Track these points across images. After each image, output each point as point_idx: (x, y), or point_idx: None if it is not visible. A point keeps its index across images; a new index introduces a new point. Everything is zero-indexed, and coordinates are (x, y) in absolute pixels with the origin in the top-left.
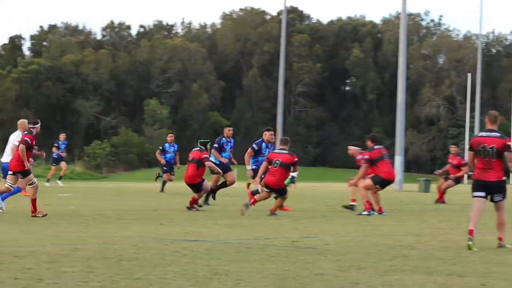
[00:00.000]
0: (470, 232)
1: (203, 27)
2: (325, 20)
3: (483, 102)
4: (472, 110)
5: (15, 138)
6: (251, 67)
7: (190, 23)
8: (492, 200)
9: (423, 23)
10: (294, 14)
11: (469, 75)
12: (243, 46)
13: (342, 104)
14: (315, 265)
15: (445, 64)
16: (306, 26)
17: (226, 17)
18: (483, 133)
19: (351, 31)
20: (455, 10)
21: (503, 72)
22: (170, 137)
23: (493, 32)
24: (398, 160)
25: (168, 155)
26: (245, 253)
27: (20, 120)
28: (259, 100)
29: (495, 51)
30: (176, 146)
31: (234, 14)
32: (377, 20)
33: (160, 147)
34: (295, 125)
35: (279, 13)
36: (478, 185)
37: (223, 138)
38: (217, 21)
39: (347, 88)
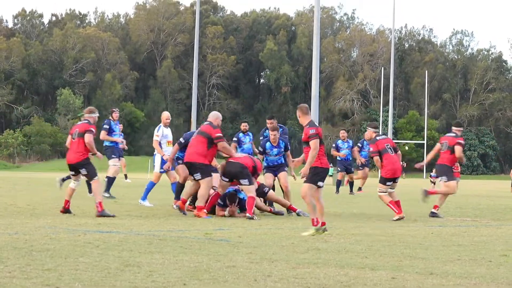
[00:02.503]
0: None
1: (117, 17)
2: (239, 12)
3: (396, 96)
4: (386, 104)
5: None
6: (165, 58)
7: (103, 13)
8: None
9: (337, 16)
10: (208, 6)
11: (382, 69)
12: (156, 37)
13: (257, 97)
14: (227, 257)
15: (358, 58)
16: (220, 18)
17: (139, 7)
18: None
19: (265, 24)
20: (368, 4)
21: (416, 67)
22: (342, 133)
23: (406, 27)
24: None
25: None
26: (158, 244)
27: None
28: (173, 91)
29: (407, 45)
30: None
31: (147, 4)
32: (291, 13)
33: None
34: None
35: (193, 4)
36: None
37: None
38: (131, 11)
39: (262, 80)
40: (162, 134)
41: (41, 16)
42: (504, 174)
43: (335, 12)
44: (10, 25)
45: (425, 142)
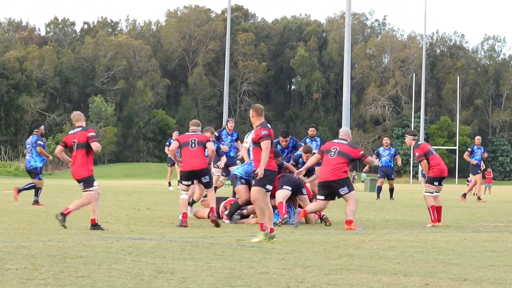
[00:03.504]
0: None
1: (148, 24)
2: (270, 19)
3: (428, 102)
4: (417, 110)
5: None
6: (196, 65)
7: (134, 20)
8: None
9: (368, 22)
10: (239, 13)
11: (413, 75)
12: (188, 44)
13: (288, 103)
14: (260, 263)
15: (389, 64)
16: (251, 25)
17: (170, 15)
18: None
19: (296, 30)
20: (400, 10)
21: (447, 72)
22: (386, 140)
23: (437, 32)
24: None
25: (384, 159)
26: (190, 251)
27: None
28: (205, 98)
29: (439, 51)
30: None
31: (178, 11)
32: (322, 19)
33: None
34: (240, 123)
35: (224, 11)
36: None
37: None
38: (162, 18)
39: (293, 87)
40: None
41: (73, 24)
42: None
43: (366, 18)
44: (43, 33)
45: (457, 148)
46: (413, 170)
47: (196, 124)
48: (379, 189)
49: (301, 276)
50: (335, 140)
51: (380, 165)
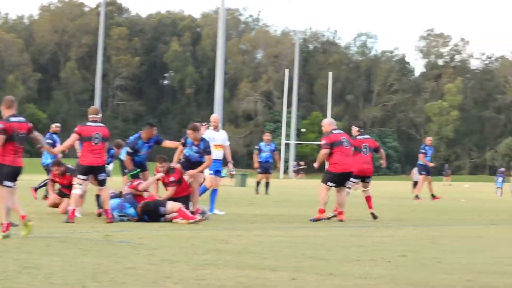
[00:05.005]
0: None
1: (20, 18)
2: (144, 14)
3: (300, 97)
4: (289, 105)
5: None
6: (68, 59)
7: (7, 14)
8: None
9: (242, 18)
10: (113, 7)
11: (286, 70)
12: (60, 38)
13: (160, 98)
14: (127, 259)
15: (263, 59)
16: (125, 19)
17: (44, 8)
18: None
19: (170, 25)
20: (273, 6)
21: (320, 68)
22: (267, 136)
23: (310, 28)
24: None
25: (264, 155)
26: (57, 246)
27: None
28: (77, 93)
29: (312, 47)
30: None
31: (52, 5)
32: (196, 14)
33: (256, 147)
34: (112, 118)
35: (98, 6)
36: None
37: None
38: (35, 12)
39: (165, 82)
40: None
41: None
42: (405, 175)
43: (240, 14)
44: None
45: None
46: (284, 165)
47: (95, 112)
48: (258, 184)
49: (168, 271)
50: (338, 131)
51: (260, 160)
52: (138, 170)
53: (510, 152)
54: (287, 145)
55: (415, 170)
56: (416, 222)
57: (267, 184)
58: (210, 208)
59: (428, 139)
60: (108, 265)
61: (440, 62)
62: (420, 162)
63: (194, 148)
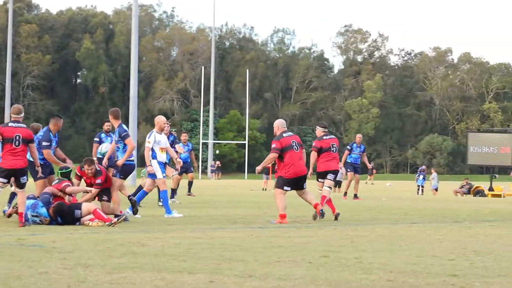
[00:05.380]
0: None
1: None
2: (54, 10)
3: (217, 95)
4: (206, 104)
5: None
6: None
7: None
8: None
9: (156, 14)
10: (22, 4)
11: (202, 68)
12: None
13: (73, 97)
14: (40, 263)
15: (178, 57)
16: (34, 16)
17: None
18: None
19: (81, 22)
20: (188, 1)
21: (237, 65)
22: (184, 136)
23: (226, 25)
24: None
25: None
26: None
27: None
28: None
29: (228, 43)
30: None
31: None
32: (109, 11)
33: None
34: (24, 118)
35: (5, 2)
36: None
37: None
38: None
39: (78, 80)
40: (155, 140)
41: None
42: None
43: (154, 10)
44: None
45: (246, 142)
46: (202, 165)
47: (16, 111)
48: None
49: (82, 275)
50: (289, 134)
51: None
52: (70, 169)
53: (431, 149)
54: (205, 144)
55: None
56: (336, 221)
57: (190, 183)
58: (168, 211)
59: (358, 137)
60: (20, 270)
61: (359, 58)
62: (348, 160)
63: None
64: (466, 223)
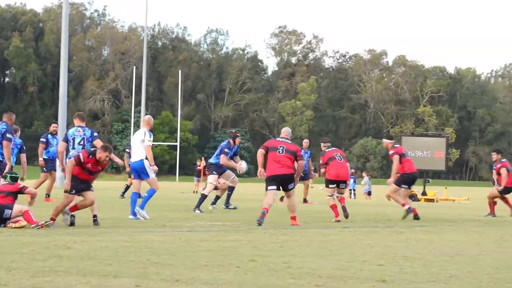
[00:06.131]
0: None
1: None
2: None
3: (149, 96)
4: (138, 104)
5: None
6: None
7: None
8: None
9: (87, 13)
10: None
11: (134, 68)
12: None
13: (1, 97)
14: None
15: (109, 56)
16: None
17: None
18: None
19: (10, 19)
20: (120, 0)
21: (169, 66)
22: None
23: (159, 24)
24: None
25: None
26: None
27: (147, 116)
28: None
29: (161, 43)
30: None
31: None
32: (39, 9)
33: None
34: None
35: None
36: None
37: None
38: None
39: (7, 79)
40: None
41: None
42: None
43: (85, 9)
44: None
45: (178, 144)
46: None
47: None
48: (127, 188)
49: (5, 279)
50: (280, 138)
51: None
52: (18, 176)
53: (365, 153)
54: None
55: None
56: (266, 225)
57: (127, 187)
58: (142, 207)
59: (305, 142)
60: None
61: (293, 60)
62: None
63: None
64: (397, 228)
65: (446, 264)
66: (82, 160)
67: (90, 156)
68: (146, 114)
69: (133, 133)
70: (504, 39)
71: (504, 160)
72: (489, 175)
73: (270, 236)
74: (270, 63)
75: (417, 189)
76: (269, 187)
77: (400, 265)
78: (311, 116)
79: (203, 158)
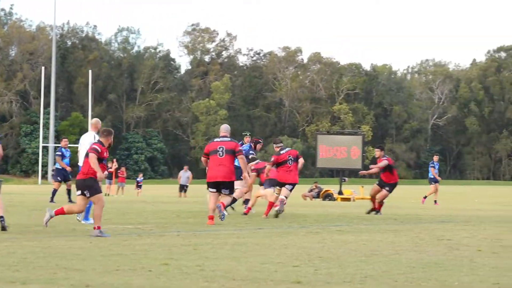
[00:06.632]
0: None
1: None
2: None
3: (58, 97)
4: (47, 105)
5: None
6: None
7: None
8: None
9: None
10: None
11: (43, 68)
12: None
13: None
14: None
15: (17, 57)
16: None
17: None
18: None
19: None
20: None
21: (79, 66)
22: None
23: (68, 23)
24: None
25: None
26: None
27: (95, 119)
28: None
29: (70, 43)
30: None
31: None
32: None
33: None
34: None
35: None
36: None
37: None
38: None
39: None
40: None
41: None
42: (172, 178)
43: None
44: None
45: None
46: (42, 170)
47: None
48: (55, 192)
49: None
50: (221, 139)
51: (57, 167)
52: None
53: None
54: (45, 148)
55: (181, 173)
56: (180, 228)
57: (68, 191)
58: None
59: (246, 139)
60: None
61: (207, 58)
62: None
63: None
64: (313, 228)
65: (361, 264)
66: (100, 151)
67: (103, 146)
68: (55, 115)
69: (42, 135)
70: (420, 35)
71: (386, 156)
72: (405, 173)
73: (183, 239)
74: (183, 62)
75: (334, 188)
76: (210, 189)
77: (316, 266)
78: (225, 115)
79: (115, 160)
